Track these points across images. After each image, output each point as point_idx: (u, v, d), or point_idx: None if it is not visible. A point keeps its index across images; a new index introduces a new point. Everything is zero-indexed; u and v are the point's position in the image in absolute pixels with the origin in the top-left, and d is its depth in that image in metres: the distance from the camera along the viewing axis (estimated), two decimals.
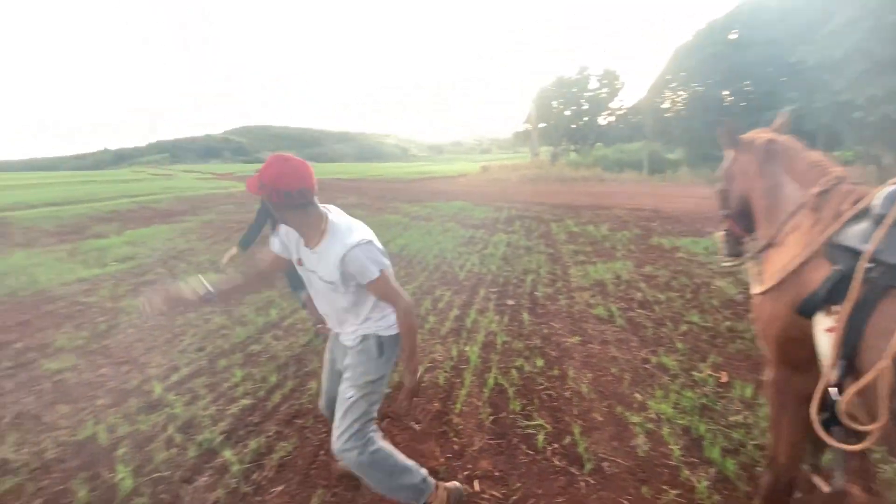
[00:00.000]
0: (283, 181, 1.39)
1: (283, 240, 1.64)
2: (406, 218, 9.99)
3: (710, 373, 2.93)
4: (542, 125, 34.94)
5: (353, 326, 1.67)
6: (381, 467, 1.61)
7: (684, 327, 3.66)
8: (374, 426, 1.65)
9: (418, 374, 1.62)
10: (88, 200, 16.63)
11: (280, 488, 2.03)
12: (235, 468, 2.13)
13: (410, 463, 1.71)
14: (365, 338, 1.66)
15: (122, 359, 3.42)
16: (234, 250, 3.57)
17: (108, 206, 14.46)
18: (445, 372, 3.02)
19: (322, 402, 1.93)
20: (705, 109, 16.72)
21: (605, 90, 33.77)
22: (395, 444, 2.27)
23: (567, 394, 2.76)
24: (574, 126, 34.60)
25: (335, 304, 1.64)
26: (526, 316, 3.97)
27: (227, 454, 2.22)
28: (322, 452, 2.26)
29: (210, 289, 1.58)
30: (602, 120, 34.61)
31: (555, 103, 34.63)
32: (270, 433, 2.42)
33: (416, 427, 2.46)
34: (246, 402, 2.74)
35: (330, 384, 1.83)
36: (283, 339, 3.67)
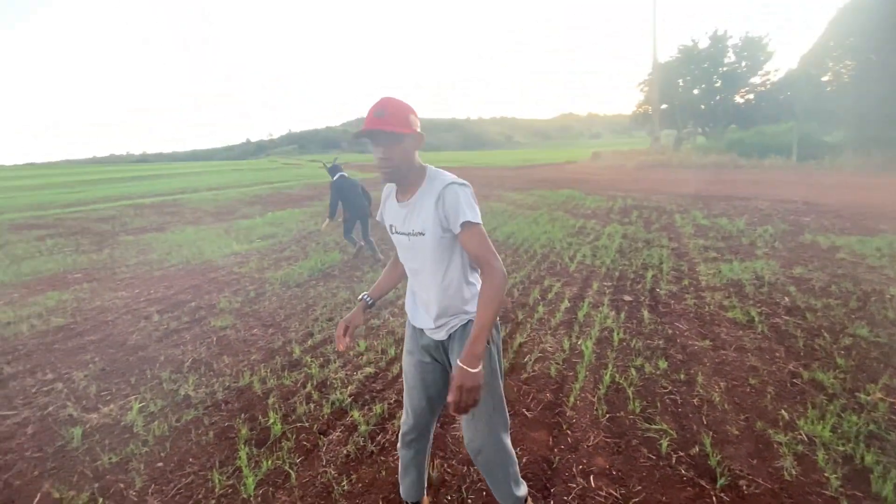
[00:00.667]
0: (409, 110, 1.31)
1: (382, 210, 1.56)
2: (511, 206, 9.90)
3: (881, 396, 2.43)
4: (663, 106, 31.47)
5: (454, 311, 1.41)
6: (504, 470, 1.46)
7: (847, 341, 3.09)
8: (506, 421, 1.47)
9: (479, 366, 1.17)
10: (237, 186, 19.48)
11: None
12: (362, 428, 2.35)
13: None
14: (472, 323, 1.35)
15: (269, 322, 3.97)
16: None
17: (251, 191, 16.76)
18: (557, 364, 2.95)
19: (414, 406, 1.57)
20: (878, 82, 13.54)
21: (744, 63, 29.26)
22: None
23: (695, 401, 2.52)
24: (703, 106, 30.71)
25: (432, 275, 1.39)
26: (646, 314, 3.69)
27: (356, 415, 2.46)
28: (439, 424, 2.38)
29: (368, 300, 1.66)
30: (739, 98, 30.13)
31: (681, 81, 31.09)
32: (391, 401, 2.62)
33: (528, 414, 2.46)
34: (369, 370, 2.99)
35: (422, 384, 1.54)
36: (398, 317, 3.91)
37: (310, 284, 4.98)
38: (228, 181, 23.37)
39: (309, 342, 3.50)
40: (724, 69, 29.67)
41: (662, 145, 23.09)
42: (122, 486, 2.03)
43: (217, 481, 2.01)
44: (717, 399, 2.51)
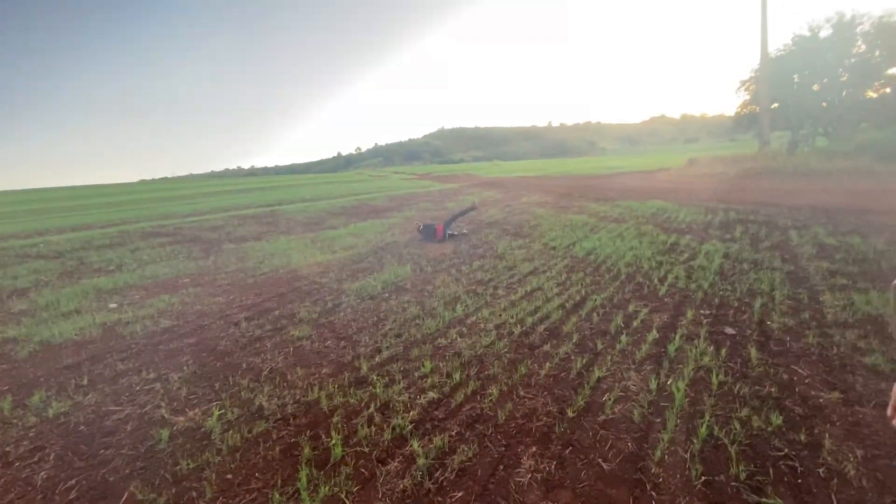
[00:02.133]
0: None
1: None
2: (594, 218, 9.33)
3: None
4: (774, 105, 27.86)
5: None
6: None
7: None
8: None
9: None
10: (326, 198, 20.89)
11: (459, 494, 2.04)
12: (421, 461, 2.24)
13: None
14: None
15: (342, 334, 4.06)
16: None
17: (339, 202, 17.84)
18: (641, 406, 2.60)
19: None
20: None
21: (878, 52, 24.95)
22: (578, 481, 2.04)
23: (821, 471, 2.05)
24: (825, 104, 26.67)
25: None
26: (754, 352, 3.15)
27: (415, 445, 2.36)
28: (502, 467, 2.19)
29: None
30: (873, 93, 25.72)
31: (796, 77, 27.36)
32: (453, 433, 2.48)
33: (604, 465, 2.17)
34: (433, 394, 2.88)
35: None
36: (466, 337, 3.77)
37: (382, 297, 5.05)
38: (320, 193, 25.21)
39: (377, 358, 3.49)
40: (853, 60, 25.60)
41: (773, 150, 20.35)
42: (194, 494, 2.13)
43: (276, 502, 2.02)
44: (852, 472, 2.01)
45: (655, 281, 4.84)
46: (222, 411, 2.82)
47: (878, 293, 4.04)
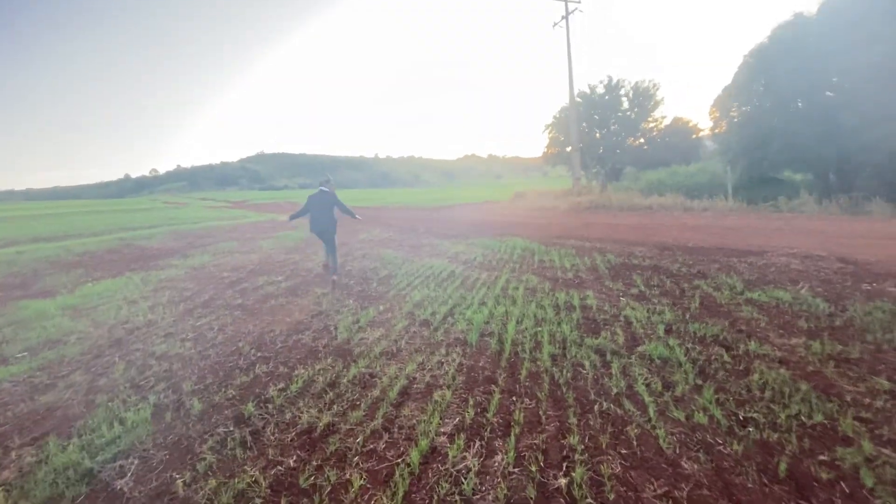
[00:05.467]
0: None
1: None
2: (456, 264, 7.34)
3: None
4: (580, 146, 32.37)
5: None
6: None
7: None
8: None
9: None
10: (74, 236, 14.46)
11: None
12: None
13: None
14: None
15: None
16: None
17: (88, 243, 12.16)
18: None
19: None
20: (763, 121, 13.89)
21: (636, 110, 31.46)
22: None
23: None
24: (601, 150, 32.13)
25: None
26: None
27: None
28: None
29: None
30: (634, 141, 32.16)
31: (585, 124, 32.31)
32: None
33: None
34: None
35: None
36: None
37: None
38: (67, 228, 17.78)
39: None
40: (619, 115, 31.66)
41: (584, 186, 22.79)
42: None
43: None
44: None
45: (630, 407, 2.82)
46: None
47: None
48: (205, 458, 2.47)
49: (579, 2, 23.44)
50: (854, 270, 5.53)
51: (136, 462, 2.49)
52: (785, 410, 2.63)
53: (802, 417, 2.57)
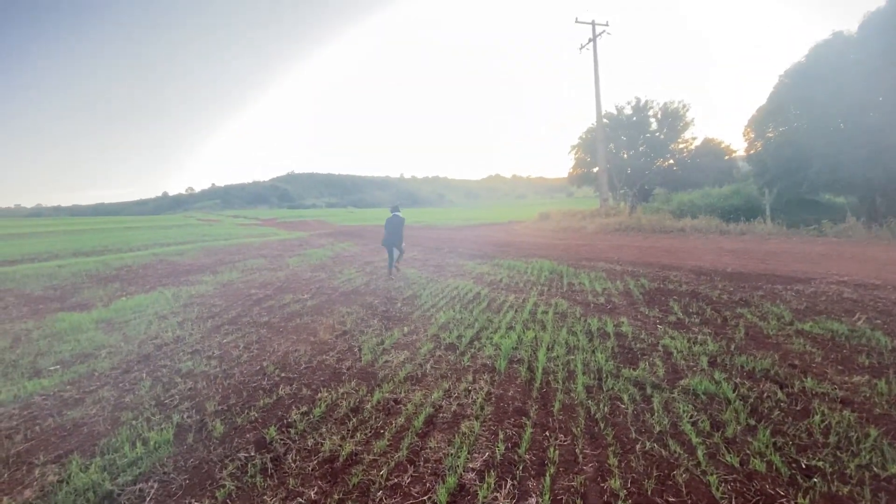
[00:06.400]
0: None
1: None
2: (482, 286, 7.20)
3: None
4: (608, 167, 32.00)
5: None
6: None
7: None
8: None
9: None
10: (113, 251, 15.07)
11: None
12: None
13: None
14: None
15: None
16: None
17: (125, 258, 12.62)
18: None
19: None
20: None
21: (665, 131, 30.97)
22: None
23: None
24: (630, 170, 31.65)
25: None
26: None
27: None
28: None
29: None
30: (663, 162, 31.56)
31: (612, 145, 32.01)
32: None
33: None
34: None
35: None
36: None
37: None
38: (106, 242, 18.58)
39: None
40: (647, 136, 31.18)
41: (612, 206, 22.41)
42: None
43: None
44: None
45: (676, 448, 2.59)
46: None
47: None
48: (224, 485, 2.39)
49: (606, 24, 23.52)
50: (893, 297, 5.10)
51: (155, 486, 2.43)
52: (854, 459, 2.36)
53: (875, 468, 2.29)
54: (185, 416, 3.17)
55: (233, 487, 2.38)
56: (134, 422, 3.11)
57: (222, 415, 3.18)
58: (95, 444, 2.86)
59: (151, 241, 19.04)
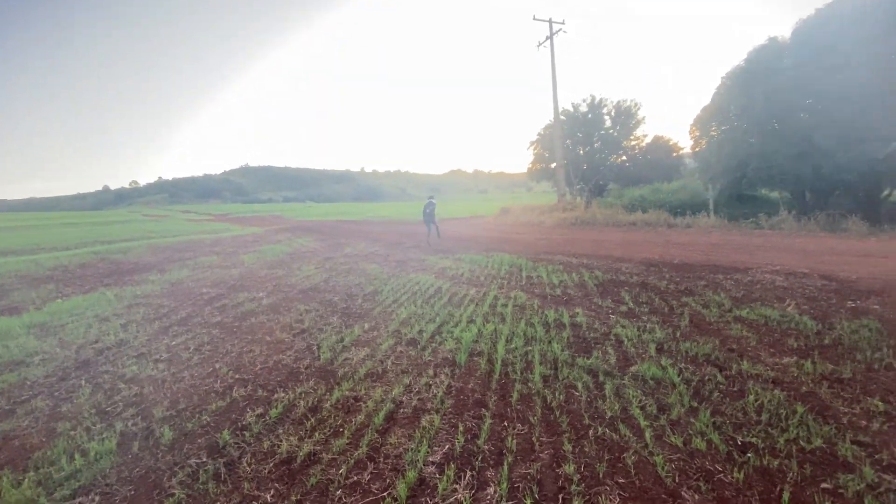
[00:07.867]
0: None
1: None
2: (442, 280, 7.24)
3: None
4: (564, 163, 32.82)
5: None
6: None
7: None
8: None
9: None
10: (49, 248, 13.93)
11: None
12: None
13: None
14: None
15: None
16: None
17: (61, 256, 11.70)
18: None
19: None
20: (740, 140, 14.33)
21: (618, 128, 32.17)
22: None
23: None
24: (586, 166, 32.70)
25: None
26: None
27: None
28: None
29: None
30: (616, 158, 32.81)
31: (569, 141, 32.89)
32: None
33: None
34: None
35: None
36: None
37: None
38: (42, 240, 17.14)
39: None
40: (602, 133, 32.29)
41: (569, 202, 23.06)
42: None
43: None
44: None
45: (626, 432, 2.72)
46: None
47: None
48: (174, 494, 2.28)
49: (563, 23, 24.06)
50: (837, 287, 5.61)
51: (96, 499, 2.29)
52: (783, 435, 2.57)
53: (801, 442, 2.51)
54: (129, 424, 3.00)
55: (183, 496, 2.28)
56: (72, 432, 2.91)
57: (171, 420, 3.04)
58: (29, 458, 2.65)
59: (91, 238, 17.75)
